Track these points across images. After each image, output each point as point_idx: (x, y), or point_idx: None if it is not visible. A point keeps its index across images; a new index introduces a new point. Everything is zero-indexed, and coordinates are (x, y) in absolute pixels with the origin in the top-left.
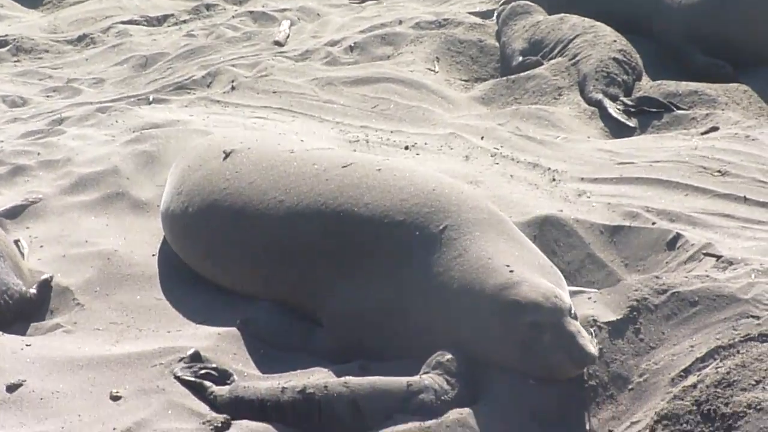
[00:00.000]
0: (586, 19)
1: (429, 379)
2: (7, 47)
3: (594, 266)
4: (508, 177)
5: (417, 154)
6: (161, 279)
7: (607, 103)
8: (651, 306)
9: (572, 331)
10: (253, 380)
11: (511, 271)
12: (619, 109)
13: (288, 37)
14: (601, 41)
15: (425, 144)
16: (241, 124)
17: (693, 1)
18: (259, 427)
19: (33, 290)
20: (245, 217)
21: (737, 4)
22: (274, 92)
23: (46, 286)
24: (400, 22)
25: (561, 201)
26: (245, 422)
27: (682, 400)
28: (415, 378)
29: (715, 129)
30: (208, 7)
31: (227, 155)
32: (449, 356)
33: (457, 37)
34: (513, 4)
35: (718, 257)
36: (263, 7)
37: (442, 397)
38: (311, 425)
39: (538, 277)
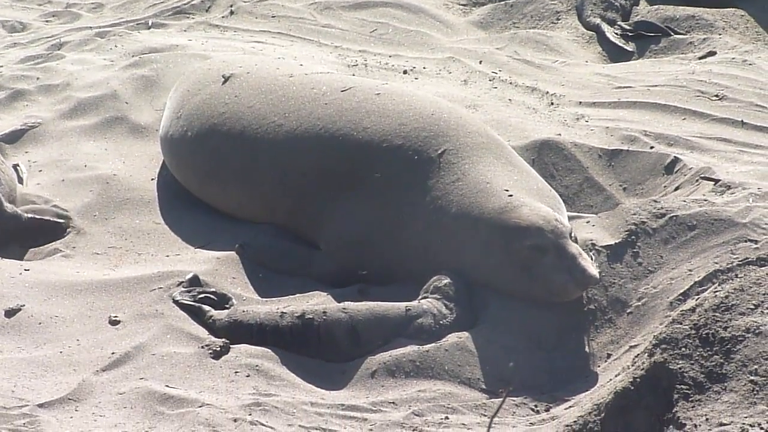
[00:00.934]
0: None
1: (427, 303)
2: None
3: (592, 190)
4: (506, 101)
5: (415, 79)
6: (160, 203)
7: (605, 27)
8: (649, 230)
9: (573, 252)
10: (252, 304)
11: (510, 195)
12: (616, 34)
13: None
14: None
15: (424, 68)
16: (239, 48)
17: None
18: (258, 351)
19: (28, 215)
20: (244, 140)
21: None
22: (273, 17)
23: (47, 222)
24: None
25: (559, 125)
26: (244, 346)
27: (681, 324)
28: (414, 303)
29: (712, 54)
30: None
31: (226, 79)
32: (447, 280)
33: None
34: None
35: (716, 181)
36: None
37: (441, 322)
38: (310, 350)
39: (537, 201)
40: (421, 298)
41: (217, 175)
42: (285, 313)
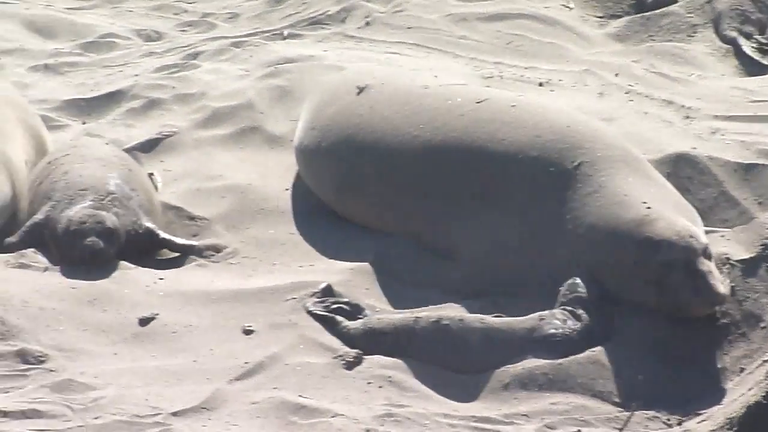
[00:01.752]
0: None
1: (561, 314)
2: None
3: (727, 204)
4: (641, 114)
5: (551, 91)
6: (294, 213)
7: (742, 41)
8: None
9: (704, 270)
10: (385, 314)
11: (648, 208)
12: (753, 47)
13: None
14: None
15: (559, 80)
16: (374, 59)
17: None
18: (390, 362)
19: (164, 236)
20: (378, 151)
21: None
22: (409, 28)
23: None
24: None
25: (695, 138)
26: (376, 357)
27: None
28: (547, 312)
29: None
30: None
31: (361, 90)
32: (582, 292)
33: None
34: None
35: None
36: None
37: (574, 333)
38: (444, 357)
39: (674, 215)
40: (556, 309)
41: (351, 185)
42: (420, 318)
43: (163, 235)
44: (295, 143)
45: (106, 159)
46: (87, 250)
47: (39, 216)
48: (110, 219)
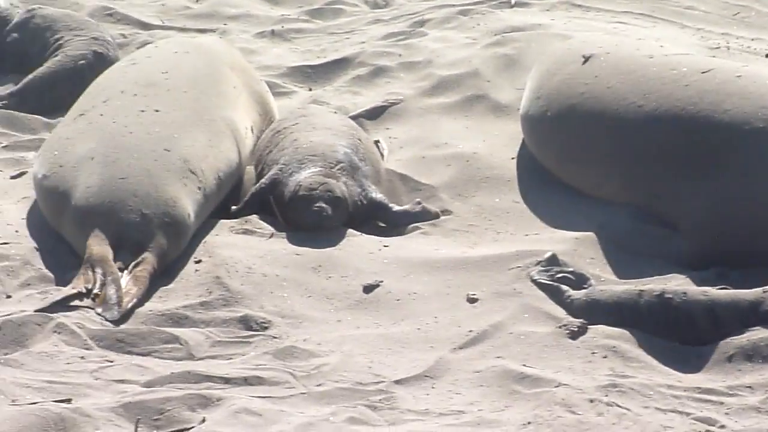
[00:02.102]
0: None
1: None
2: None
3: None
4: None
5: None
6: (519, 182)
7: None
8: None
9: None
10: (609, 285)
11: None
12: None
13: None
14: None
15: None
16: (601, 29)
17: None
18: (615, 332)
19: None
20: (603, 121)
21: None
22: None
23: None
24: None
25: None
26: (601, 327)
27: None
28: None
29: None
30: None
31: (586, 59)
32: None
33: None
34: None
35: None
36: None
37: None
38: (667, 330)
39: None
40: None
41: (577, 154)
42: (644, 291)
43: (389, 206)
44: (521, 112)
45: (335, 127)
46: (315, 216)
47: (265, 181)
48: (339, 188)
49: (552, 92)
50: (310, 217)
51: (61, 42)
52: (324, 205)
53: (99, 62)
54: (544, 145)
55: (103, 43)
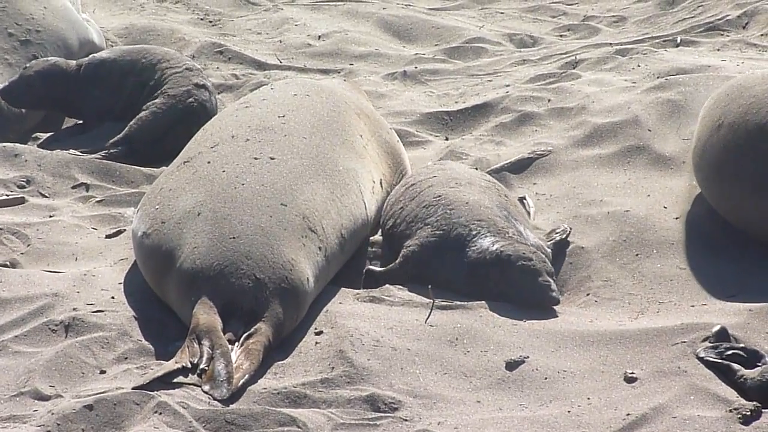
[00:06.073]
0: None
1: None
2: None
3: None
4: None
5: None
6: (686, 245)
7: None
8: None
9: None
10: None
11: None
12: None
13: None
14: None
15: None
16: None
17: None
18: None
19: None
20: None
21: None
22: None
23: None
24: None
25: None
26: None
27: None
28: None
29: None
30: None
31: None
32: None
33: None
34: None
35: None
36: None
37: None
38: None
39: None
40: None
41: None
42: None
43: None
44: (694, 145)
45: (478, 183)
46: (544, 291)
47: (414, 242)
48: (539, 257)
49: (737, 119)
50: (535, 292)
51: (150, 82)
52: (549, 279)
53: (204, 97)
54: (725, 195)
55: (198, 72)
